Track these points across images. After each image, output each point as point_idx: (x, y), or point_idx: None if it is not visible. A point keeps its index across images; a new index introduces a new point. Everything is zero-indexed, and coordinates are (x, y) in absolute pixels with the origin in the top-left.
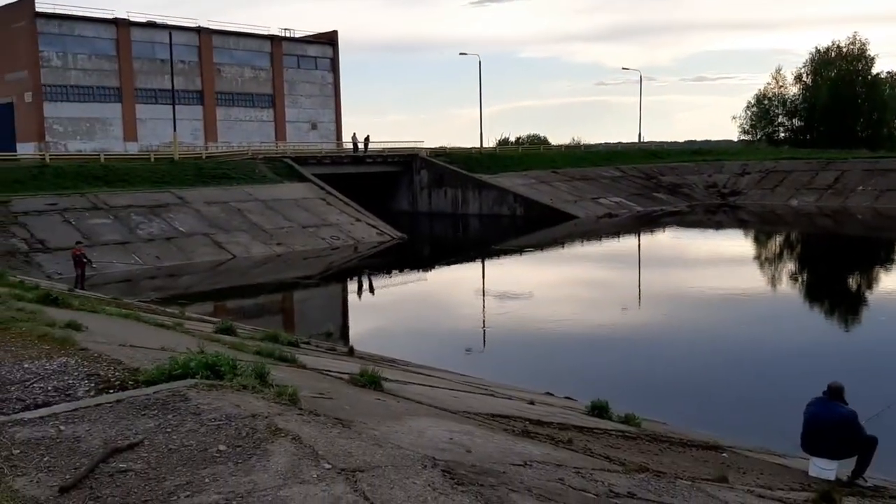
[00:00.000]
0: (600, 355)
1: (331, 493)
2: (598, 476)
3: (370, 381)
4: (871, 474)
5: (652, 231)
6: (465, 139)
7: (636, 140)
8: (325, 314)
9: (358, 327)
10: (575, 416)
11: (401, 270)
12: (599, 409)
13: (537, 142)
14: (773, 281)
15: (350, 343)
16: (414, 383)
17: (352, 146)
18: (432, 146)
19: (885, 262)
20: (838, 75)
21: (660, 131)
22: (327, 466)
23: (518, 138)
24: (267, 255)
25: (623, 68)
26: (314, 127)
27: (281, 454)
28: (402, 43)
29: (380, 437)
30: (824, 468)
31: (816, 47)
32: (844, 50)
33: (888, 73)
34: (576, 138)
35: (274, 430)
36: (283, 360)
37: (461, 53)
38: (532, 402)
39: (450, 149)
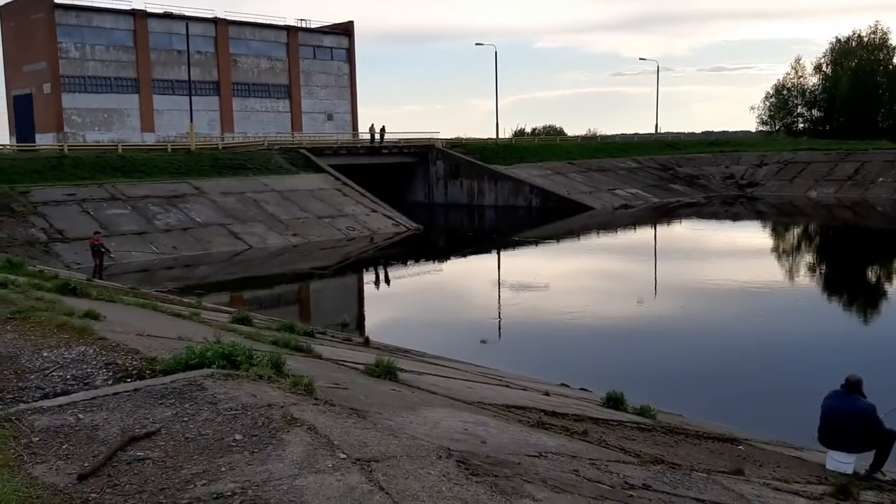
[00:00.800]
0: (616, 347)
1: (346, 482)
2: (613, 468)
3: (385, 372)
4: (889, 468)
5: (668, 222)
6: (481, 130)
7: (653, 131)
8: (341, 305)
9: (374, 318)
10: (590, 408)
11: (417, 261)
12: (615, 401)
13: (553, 133)
14: (791, 273)
15: (366, 333)
16: (429, 374)
17: (369, 137)
18: (448, 137)
19: None
20: (859, 65)
21: (677, 122)
22: (342, 456)
23: (534, 129)
24: (283, 246)
25: (640, 58)
26: (330, 118)
27: (296, 444)
28: (417, 33)
29: (395, 427)
30: (842, 461)
31: (837, 37)
32: (865, 39)
33: None
34: (592, 129)
35: (289, 419)
36: (299, 350)
37: (477, 44)
38: (547, 394)
39: (465, 140)
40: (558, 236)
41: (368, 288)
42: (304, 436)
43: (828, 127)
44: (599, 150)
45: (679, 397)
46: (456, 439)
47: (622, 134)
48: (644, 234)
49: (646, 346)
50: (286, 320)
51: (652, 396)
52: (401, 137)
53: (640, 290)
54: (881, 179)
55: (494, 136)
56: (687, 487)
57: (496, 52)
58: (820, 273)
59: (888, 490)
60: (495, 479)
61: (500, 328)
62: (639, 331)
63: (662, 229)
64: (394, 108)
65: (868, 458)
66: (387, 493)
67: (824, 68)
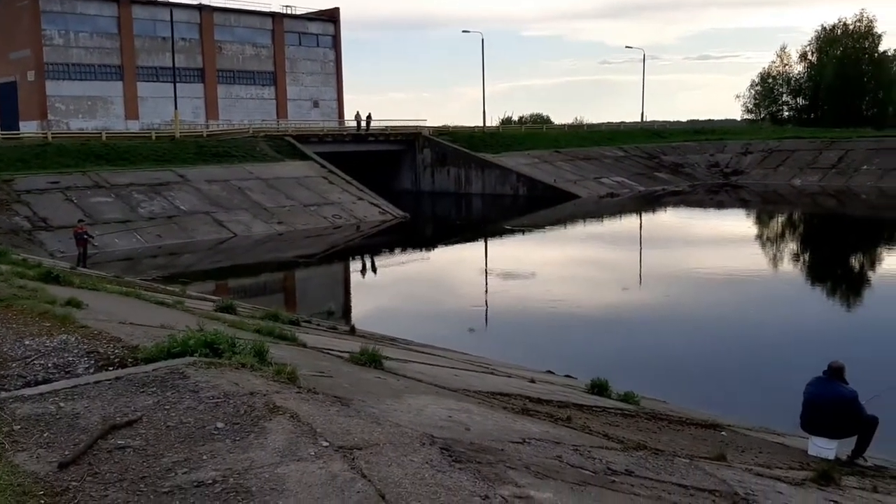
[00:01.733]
0: (601, 334)
1: (328, 470)
2: (596, 453)
3: (370, 360)
4: (871, 454)
5: (653, 211)
6: (468, 118)
7: (639, 119)
8: (327, 293)
9: (360, 306)
10: (575, 395)
11: (403, 249)
12: (599, 388)
13: (540, 121)
14: (775, 261)
15: (351, 322)
16: (414, 362)
17: (355, 124)
18: (435, 125)
19: (889, 243)
20: (844, 53)
21: (663, 111)
22: (325, 444)
23: (521, 117)
24: (268, 234)
25: (626, 47)
26: (316, 105)
27: (278, 432)
28: (404, 20)
29: (378, 415)
30: (823, 447)
31: (822, 25)
32: (851, 27)
33: (895, 50)
34: (579, 118)
35: (272, 407)
36: (283, 338)
37: (464, 31)
38: (532, 381)
39: (453, 128)
40: (545, 224)
41: (355, 276)
42: (286, 424)
43: (812, 115)
44: (586, 139)
45: (664, 384)
46: (440, 426)
47: (608, 122)
48: (630, 222)
49: (631, 334)
50: (271, 309)
51: (636, 383)
52: (387, 125)
53: (626, 279)
54: (865, 167)
55: (481, 125)
56: (669, 473)
57: (483, 40)
58: (804, 261)
59: (870, 476)
60: (478, 466)
61: (486, 316)
62: (624, 318)
63: (648, 218)
64: (380, 95)
65: (850, 443)
66: (369, 481)
67: (809, 56)
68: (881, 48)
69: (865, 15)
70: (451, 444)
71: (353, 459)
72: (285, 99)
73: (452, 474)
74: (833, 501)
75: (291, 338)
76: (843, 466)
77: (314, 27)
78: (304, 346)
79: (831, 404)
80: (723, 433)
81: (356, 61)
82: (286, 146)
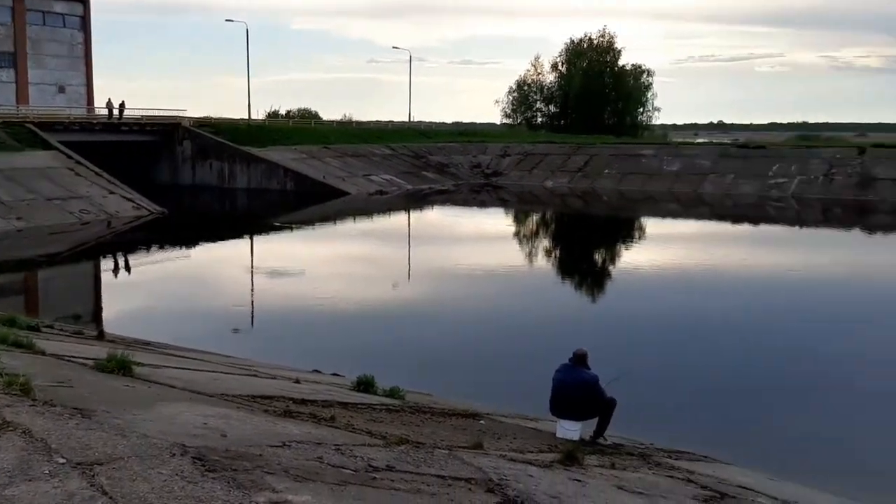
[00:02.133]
0: (370, 331)
1: (64, 489)
2: (357, 451)
3: (119, 366)
4: (610, 433)
5: (421, 209)
6: (233, 110)
7: (407, 119)
8: (74, 295)
9: (111, 309)
10: (340, 393)
11: (161, 247)
12: (365, 384)
13: (308, 116)
14: (530, 257)
15: (101, 326)
16: (170, 367)
17: (107, 112)
18: (197, 116)
19: (627, 240)
20: (589, 65)
21: (429, 112)
22: (61, 461)
23: (289, 111)
24: (4, 230)
25: (394, 47)
26: (62, 90)
27: (8, 450)
28: (163, 4)
29: (124, 426)
30: (569, 429)
31: (571, 38)
32: (595, 42)
33: (633, 65)
34: (348, 115)
35: (1, 423)
36: (18, 345)
37: (227, 20)
38: (298, 381)
39: (216, 119)
40: (314, 221)
41: (106, 276)
42: (17, 440)
43: (563, 122)
44: (355, 136)
45: (430, 377)
46: (193, 434)
47: (377, 121)
48: (399, 219)
49: (399, 329)
50: (6, 313)
51: (404, 378)
52: (143, 115)
53: (395, 275)
54: (607, 171)
55: (247, 117)
56: (429, 465)
57: (247, 30)
58: (555, 257)
59: (609, 454)
60: (234, 474)
61: (252, 316)
62: (393, 314)
63: (416, 215)
64: (136, 82)
65: (593, 425)
66: (111, 498)
67: (560, 67)
68: (621, 62)
69: (607, 31)
70: (206, 453)
71: (94, 476)
72: (26, 83)
73: (205, 484)
74: (576, 480)
75: (28, 345)
76: (587, 447)
77: (60, 6)
78: (44, 353)
79: (576, 389)
80: (482, 422)
81: (109, 45)
82: (27, 134)
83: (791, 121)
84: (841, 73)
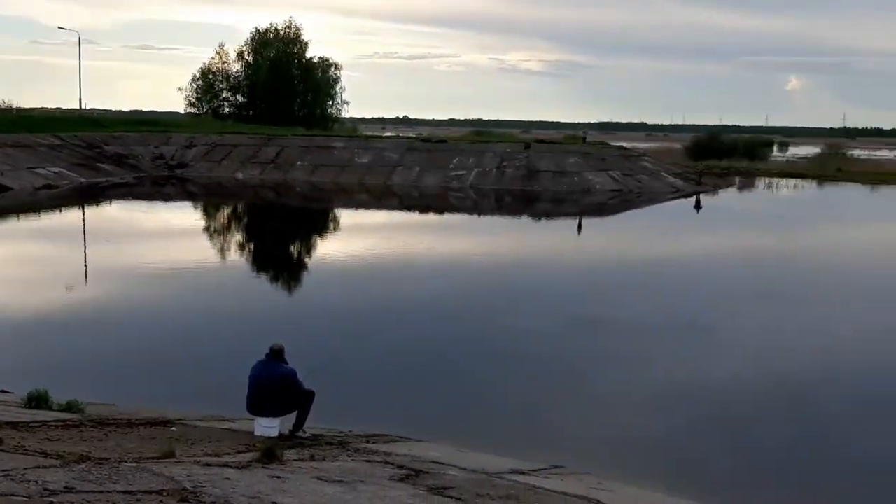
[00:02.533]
0: (43, 340)
1: None
2: (30, 475)
3: None
4: (310, 425)
5: (98, 203)
6: None
7: (77, 106)
8: None
9: None
10: (9, 412)
11: None
12: (38, 400)
13: None
14: (222, 251)
15: None
16: None
17: None
18: None
19: (323, 230)
20: (277, 56)
21: (104, 99)
22: None
23: None
24: None
25: (60, 28)
26: None
27: None
28: None
29: None
30: (267, 426)
31: (256, 27)
32: (282, 33)
33: (321, 58)
34: (6, 100)
35: None
36: None
37: None
38: None
39: None
40: None
41: None
42: None
43: (251, 112)
44: (16, 124)
45: (114, 386)
46: None
47: (44, 107)
48: (73, 216)
49: (78, 336)
50: None
51: (84, 389)
52: None
53: (70, 277)
54: (299, 163)
55: None
56: (114, 482)
57: None
58: (248, 250)
59: (308, 446)
60: None
61: None
62: (70, 320)
63: (93, 211)
64: None
65: (292, 419)
66: None
67: (246, 56)
68: (308, 55)
69: (294, 23)
70: None
71: None
72: None
73: None
74: (276, 477)
75: None
76: (286, 441)
77: None
78: None
79: (274, 384)
80: (173, 428)
81: None
82: None
83: (467, 117)
84: (508, 74)
